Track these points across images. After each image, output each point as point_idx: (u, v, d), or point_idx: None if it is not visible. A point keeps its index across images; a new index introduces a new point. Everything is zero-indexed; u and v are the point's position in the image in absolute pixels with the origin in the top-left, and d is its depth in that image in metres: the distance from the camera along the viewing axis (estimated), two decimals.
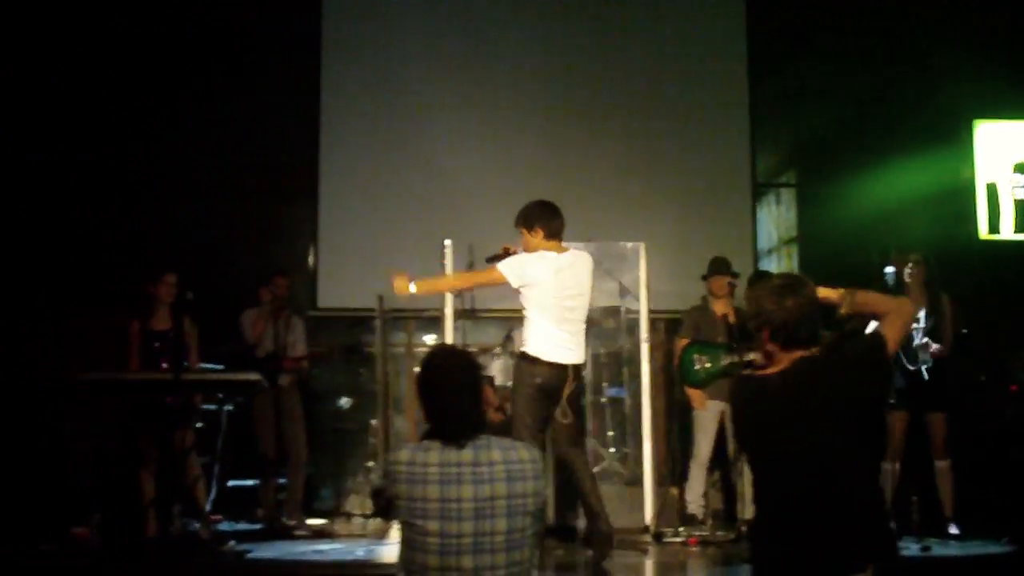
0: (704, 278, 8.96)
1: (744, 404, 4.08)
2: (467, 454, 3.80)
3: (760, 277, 8.98)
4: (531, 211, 6.99)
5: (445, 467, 3.77)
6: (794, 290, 3.96)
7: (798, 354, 3.90)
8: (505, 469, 3.81)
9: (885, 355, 3.92)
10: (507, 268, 6.85)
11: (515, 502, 3.80)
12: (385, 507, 3.93)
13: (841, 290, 4.26)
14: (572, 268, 6.94)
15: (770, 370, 3.97)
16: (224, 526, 8.66)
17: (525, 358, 6.85)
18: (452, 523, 3.72)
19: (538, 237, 6.92)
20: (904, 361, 7.96)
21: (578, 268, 6.98)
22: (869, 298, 4.28)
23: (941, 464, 8.18)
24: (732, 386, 4.23)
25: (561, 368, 6.79)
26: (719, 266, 8.93)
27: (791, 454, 3.83)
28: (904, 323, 4.12)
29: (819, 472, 3.79)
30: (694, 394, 8.59)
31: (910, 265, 8.23)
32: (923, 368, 7.95)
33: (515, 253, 7.05)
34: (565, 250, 6.98)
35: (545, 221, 6.94)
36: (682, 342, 8.53)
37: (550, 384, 6.77)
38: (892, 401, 7.92)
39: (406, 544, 3.81)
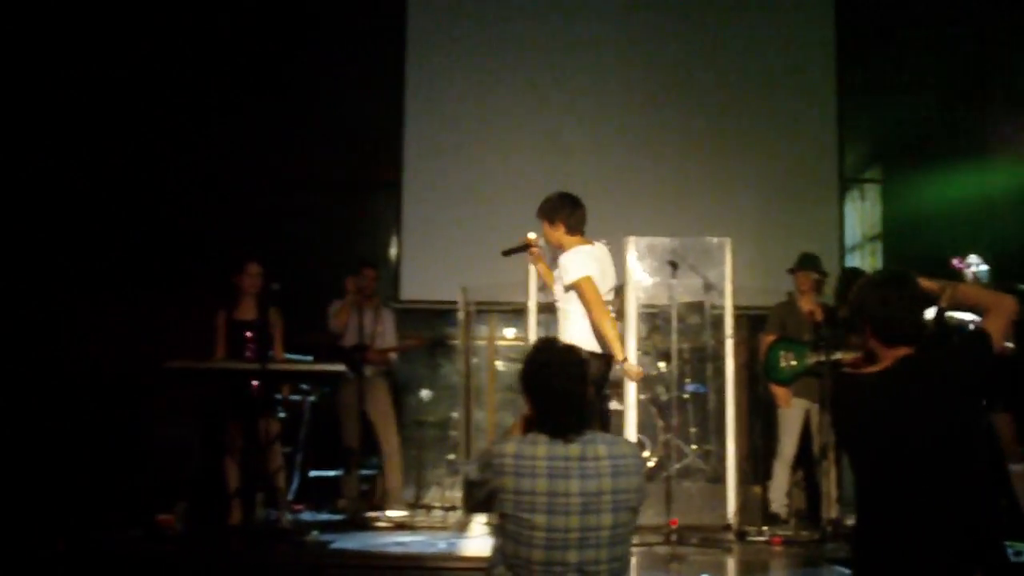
0: (791, 272, 8.85)
1: (846, 404, 4.00)
2: (575, 448, 3.81)
3: (851, 273, 8.86)
4: (554, 204, 6.94)
5: (553, 461, 3.78)
6: (898, 285, 3.89)
7: (902, 352, 3.82)
8: (611, 464, 3.82)
9: (991, 351, 3.83)
10: (586, 269, 6.71)
11: (620, 497, 3.80)
12: (483, 500, 3.88)
13: (942, 282, 4.17)
14: (606, 259, 6.96)
15: (872, 368, 3.89)
16: (306, 516, 8.69)
17: (595, 356, 6.72)
18: (560, 517, 3.73)
19: (560, 231, 6.89)
20: None
21: (607, 260, 6.98)
22: (970, 292, 4.21)
23: (1016, 468, 8.01)
24: (832, 385, 4.16)
25: (606, 359, 6.73)
26: (807, 261, 8.82)
27: (896, 455, 3.75)
28: (1007, 318, 4.01)
29: (925, 474, 3.71)
30: (779, 392, 8.50)
31: (968, 266, 8.05)
32: None
33: (537, 244, 7.08)
34: (590, 242, 6.92)
35: (567, 214, 6.88)
36: (768, 339, 8.44)
37: (600, 375, 6.71)
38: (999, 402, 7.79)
39: (509, 538, 3.80)
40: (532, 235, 7.05)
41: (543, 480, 3.75)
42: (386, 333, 9.23)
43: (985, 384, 3.95)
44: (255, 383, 7.59)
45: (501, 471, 3.79)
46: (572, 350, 4.10)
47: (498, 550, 3.89)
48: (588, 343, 6.65)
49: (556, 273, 6.88)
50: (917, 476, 3.72)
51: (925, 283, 4.06)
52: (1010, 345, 7.76)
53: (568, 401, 3.88)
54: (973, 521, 3.71)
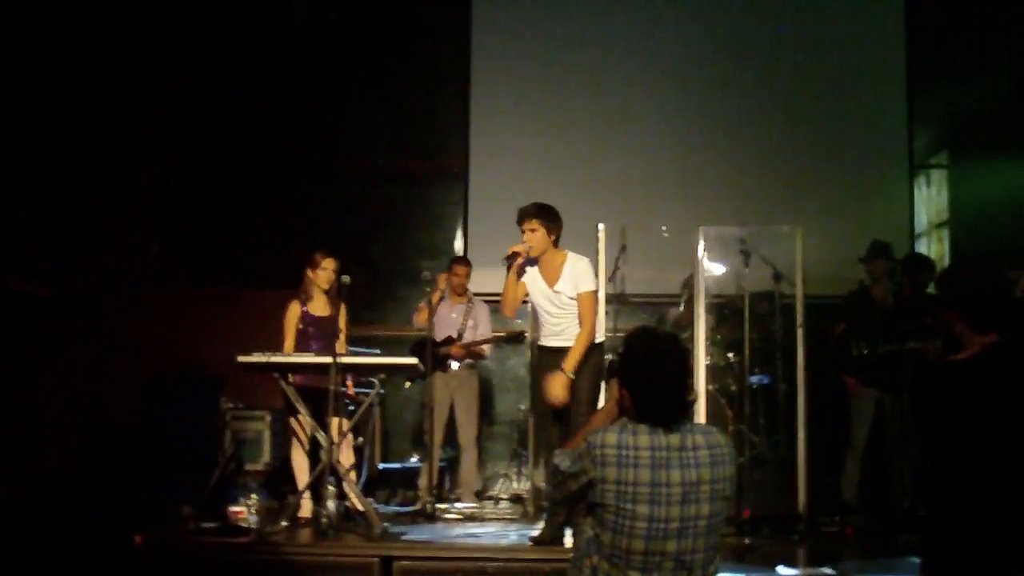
0: (862, 261, 8.76)
1: (931, 391, 3.95)
2: (675, 438, 3.82)
3: (915, 261, 8.78)
4: (555, 213, 7.05)
5: (656, 451, 3.78)
6: (990, 271, 3.84)
7: (990, 338, 3.77)
8: (709, 454, 3.83)
9: None
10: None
11: (717, 487, 3.82)
12: (577, 491, 3.88)
13: (1017, 272, 4.12)
14: None
15: (960, 356, 3.84)
16: (375, 508, 8.72)
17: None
18: (661, 507, 3.74)
19: (551, 239, 7.01)
20: None
21: None
22: None
23: None
24: (915, 373, 4.11)
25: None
26: (879, 249, 8.73)
27: (983, 442, 3.70)
28: None
29: (1009, 463, 3.66)
30: (851, 381, 8.43)
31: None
32: None
33: (523, 255, 7.04)
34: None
35: (560, 226, 7.06)
36: (840, 327, 8.37)
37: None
38: None
39: (607, 528, 3.80)
40: (523, 246, 7.03)
41: (645, 470, 3.74)
42: (479, 326, 9.25)
43: None
44: (348, 385, 7.71)
45: (603, 462, 3.78)
46: (674, 338, 4.11)
47: (590, 541, 3.89)
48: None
49: (561, 281, 7.04)
50: (1002, 463, 3.67)
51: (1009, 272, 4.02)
52: None
53: (672, 390, 3.88)
54: None
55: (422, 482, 8.96)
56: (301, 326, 8.13)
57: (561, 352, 6.93)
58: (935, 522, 3.94)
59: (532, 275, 7.10)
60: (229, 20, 10.34)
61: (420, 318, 9.07)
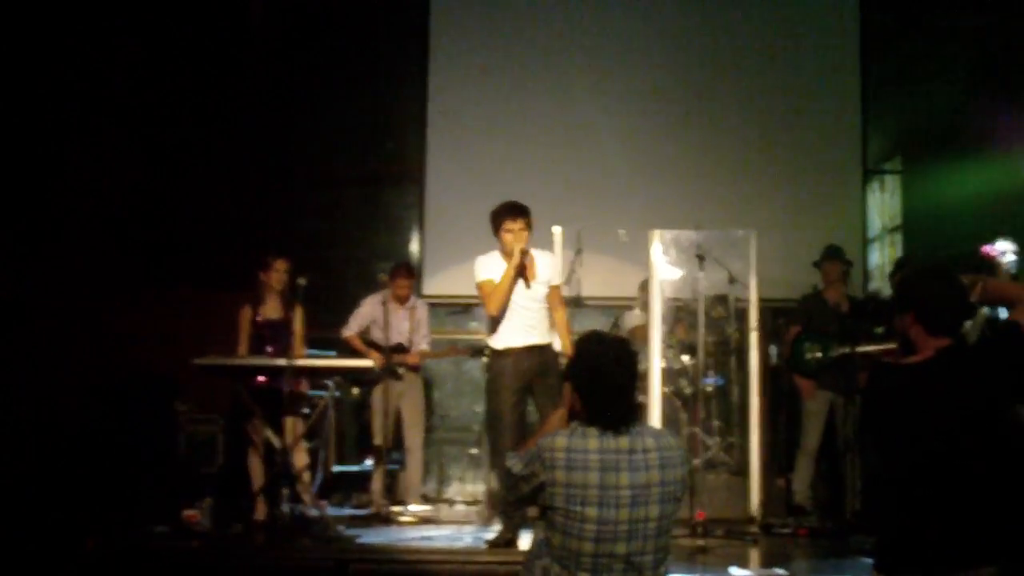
0: (816, 265, 8.84)
1: (884, 393, 4.00)
2: (624, 441, 3.84)
3: (905, 263, 8.87)
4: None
5: (605, 454, 3.80)
6: (945, 277, 3.91)
7: (943, 343, 3.83)
8: (659, 456, 3.85)
9: (1022, 342, 3.83)
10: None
11: (667, 489, 3.84)
12: (529, 494, 3.90)
13: (972, 277, 4.18)
14: None
15: (913, 359, 3.90)
16: (330, 511, 8.70)
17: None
18: (611, 510, 3.75)
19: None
20: None
21: None
22: (999, 286, 4.24)
23: None
24: (869, 375, 4.17)
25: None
26: (833, 252, 8.80)
27: (933, 444, 3.77)
28: None
29: (958, 464, 3.72)
30: (803, 383, 8.49)
31: (1002, 252, 8.02)
32: None
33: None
34: None
35: None
36: (793, 330, 8.43)
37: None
38: None
39: (558, 530, 3.82)
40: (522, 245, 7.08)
41: (595, 473, 3.76)
42: (421, 328, 9.25)
43: (1017, 376, 3.96)
44: (260, 379, 7.66)
45: (553, 464, 3.80)
46: (625, 343, 4.11)
47: (541, 543, 3.91)
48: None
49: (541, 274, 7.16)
50: (950, 465, 3.73)
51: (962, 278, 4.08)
52: None
53: (621, 394, 3.90)
54: (1001, 511, 3.72)
55: (375, 485, 8.96)
56: (254, 329, 8.10)
57: (536, 350, 6.96)
58: (887, 523, 3.99)
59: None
60: (185, 23, 10.28)
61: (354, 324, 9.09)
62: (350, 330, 9.04)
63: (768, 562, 7.11)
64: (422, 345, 9.24)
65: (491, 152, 10.65)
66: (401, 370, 9.02)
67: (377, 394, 8.87)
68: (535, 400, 7.03)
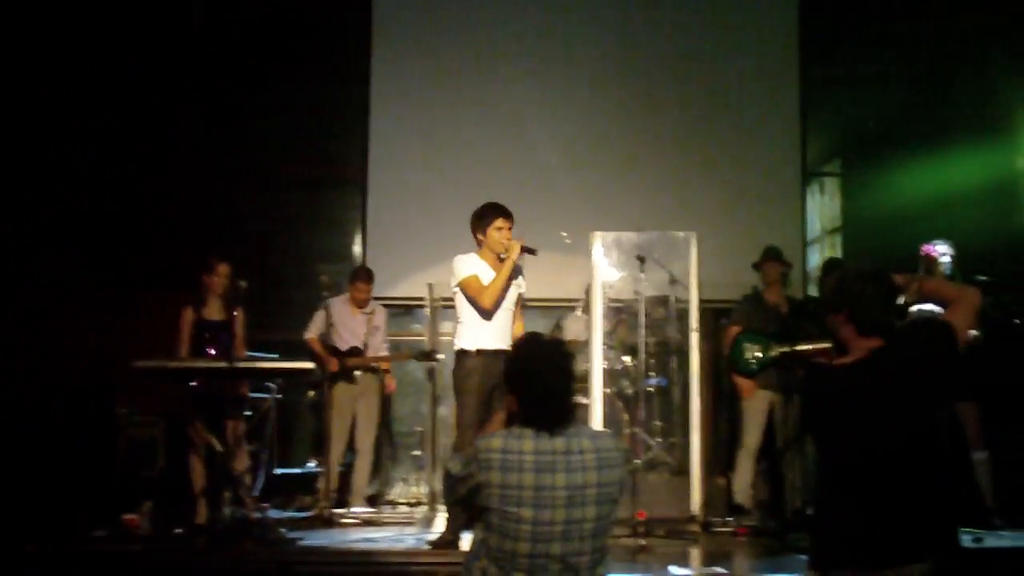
0: (756, 266, 8.90)
1: (818, 393, 4.07)
2: (560, 442, 3.84)
3: (834, 265, 8.96)
4: None
5: (540, 455, 3.81)
6: (877, 279, 3.97)
7: (874, 343, 3.90)
8: (596, 457, 3.87)
9: (955, 343, 3.92)
10: None
11: (604, 490, 3.86)
12: (467, 494, 3.91)
13: (908, 277, 4.24)
14: None
15: (844, 359, 3.96)
16: (272, 513, 8.67)
17: None
18: (545, 511, 3.77)
19: None
20: None
21: None
22: (935, 286, 4.30)
23: (978, 455, 8.12)
24: (805, 376, 4.24)
25: None
26: (772, 253, 8.88)
27: (865, 445, 3.83)
28: (971, 311, 4.09)
29: (891, 465, 3.78)
30: (743, 383, 8.55)
31: (942, 254, 8.15)
32: None
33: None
34: None
35: None
36: (733, 330, 8.50)
37: None
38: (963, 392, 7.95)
39: (494, 531, 3.83)
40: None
41: (529, 474, 3.78)
42: (379, 332, 9.35)
43: (950, 375, 4.02)
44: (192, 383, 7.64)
45: (488, 466, 3.81)
46: (560, 343, 4.18)
47: (480, 543, 3.92)
48: None
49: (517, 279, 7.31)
50: (883, 464, 3.80)
51: (896, 278, 4.13)
52: (975, 333, 7.91)
53: (554, 395, 3.91)
54: (932, 509, 3.79)
55: (320, 487, 8.95)
56: (197, 331, 8.07)
57: (503, 355, 6.95)
58: (822, 519, 4.05)
59: (490, 277, 7.15)
60: (129, 26, 10.21)
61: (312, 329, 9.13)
62: (310, 333, 9.11)
63: (708, 561, 7.18)
64: (380, 350, 9.29)
65: (433, 155, 10.65)
66: (357, 373, 9.05)
67: (334, 396, 8.94)
68: (495, 406, 7.04)
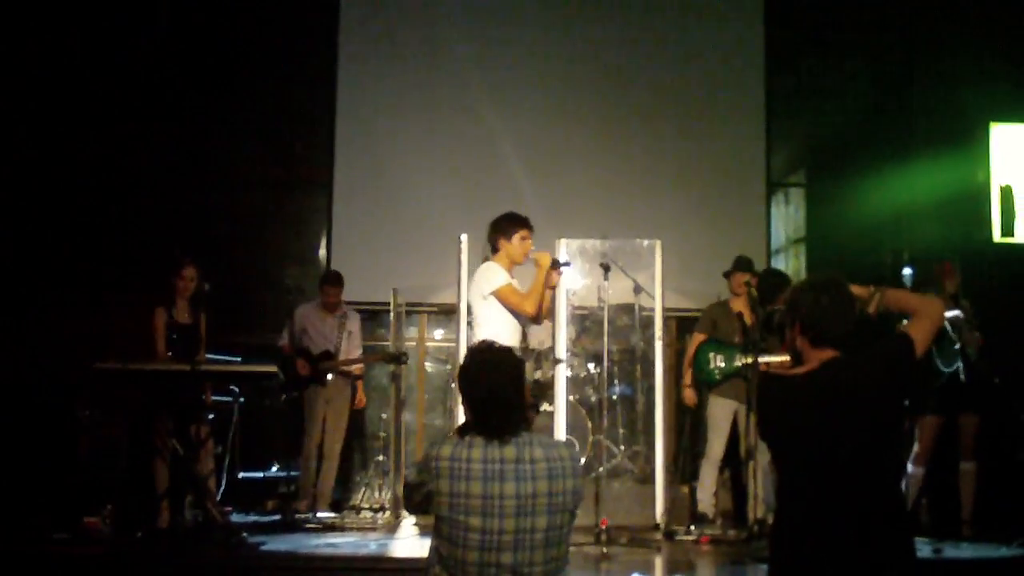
0: (726, 275, 8.90)
1: (771, 403, 4.06)
2: (510, 451, 3.82)
3: (770, 274, 8.97)
4: None
5: (488, 463, 3.78)
6: (831, 289, 3.95)
7: (828, 354, 3.89)
8: (547, 467, 3.83)
9: (912, 356, 3.89)
10: None
11: (555, 499, 3.82)
12: (421, 502, 3.89)
13: (871, 288, 4.23)
14: None
15: (798, 370, 3.96)
16: (234, 518, 8.64)
17: None
18: (494, 519, 3.74)
19: None
20: (939, 364, 8.00)
21: None
22: (899, 296, 4.25)
23: (967, 466, 8.19)
24: (759, 387, 4.25)
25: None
26: (742, 264, 8.87)
27: (816, 456, 3.81)
28: (933, 323, 4.06)
29: (843, 476, 3.77)
30: (687, 393, 8.64)
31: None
32: (960, 370, 7.99)
33: None
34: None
35: None
36: (699, 338, 8.52)
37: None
38: (926, 406, 8.02)
39: (444, 539, 3.81)
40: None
41: (477, 483, 3.76)
42: (353, 337, 9.39)
43: (906, 387, 4.03)
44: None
45: (438, 473, 3.80)
46: (508, 352, 4.08)
47: (434, 551, 3.91)
48: None
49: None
50: (836, 476, 3.78)
51: (856, 289, 4.12)
52: (976, 334, 8.04)
53: (501, 402, 3.88)
54: (884, 523, 3.79)
55: (302, 492, 8.96)
56: (167, 333, 8.04)
57: None
58: (777, 531, 4.05)
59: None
60: (95, 25, 10.16)
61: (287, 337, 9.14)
62: (283, 339, 9.13)
63: (671, 569, 7.17)
64: (353, 355, 9.29)
65: (399, 159, 10.63)
66: (329, 377, 9.06)
67: (309, 399, 9.00)
68: None
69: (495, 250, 7.21)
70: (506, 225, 7.18)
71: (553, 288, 7.33)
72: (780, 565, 3.94)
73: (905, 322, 4.11)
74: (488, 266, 7.14)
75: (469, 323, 7.38)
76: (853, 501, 3.75)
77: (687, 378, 8.75)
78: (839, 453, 3.77)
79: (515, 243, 7.12)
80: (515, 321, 7.08)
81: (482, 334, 6.99)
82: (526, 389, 4.07)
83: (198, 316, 8.08)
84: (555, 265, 7.14)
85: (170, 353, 7.91)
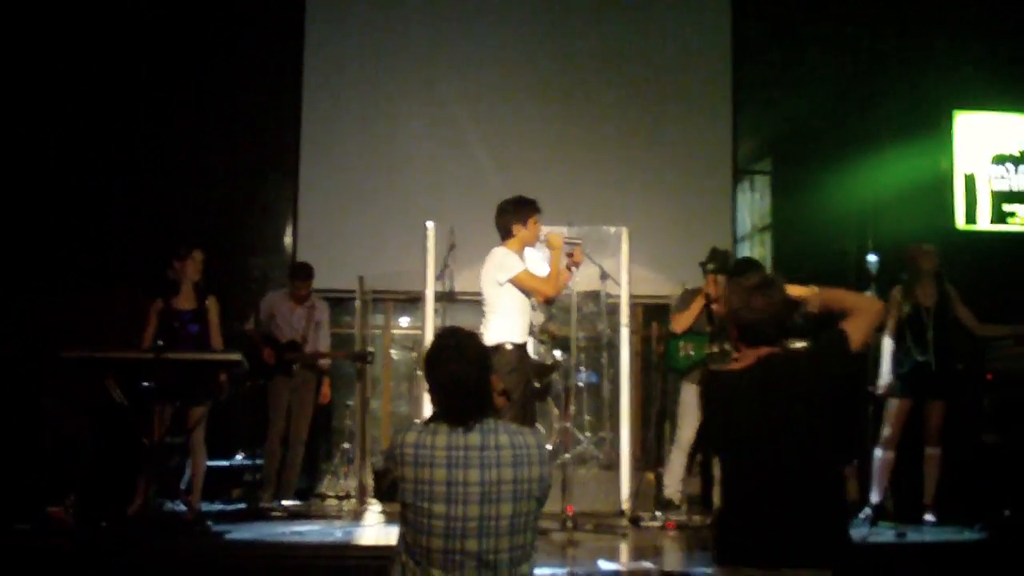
0: (703, 265, 8.85)
1: (712, 399, 4.18)
2: (475, 437, 3.82)
3: (745, 265, 8.96)
4: None
5: (453, 450, 3.79)
6: (764, 291, 4.05)
7: (764, 351, 3.98)
8: (512, 454, 3.84)
9: (847, 351, 4.00)
10: None
11: (521, 487, 3.83)
12: (388, 489, 3.89)
13: (811, 287, 4.30)
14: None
15: (738, 366, 4.04)
16: (199, 506, 8.59)
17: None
18: (458, 506, 3.74)
19: None
20: (914, 351, 8.06)
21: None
22: (837, 295, 4.32)
23: (932, 451, 8.25)
24: (702, 381, 4.33)
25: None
26: (717, 254, 8.77)
27: (755, 449, 3.93)
28: (871, 319, 4.16)
29: (781, 468, 3.87)
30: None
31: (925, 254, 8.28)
32: (932, 358, 8.05)
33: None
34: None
35: None
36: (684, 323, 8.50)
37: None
38: (894, 390, 8.09)
39: (410, 526, 3.81)
40: None
41: (441, 469, 3.76)
42: (321, 327, 9.37)
43: (841, 382, 4.08)
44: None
45: (402, 460, 3.80)
46: (473, 337, 4.07)
47: (401, 538, 3.91)
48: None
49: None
50: (773, 467, 3.88)
51: (793, 290, 4.20)
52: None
53: (465, 390, 3.88)
54: (818, 514, 3.86)
55: (268, 482, 8.94)
56: (165, 321, 7.93)
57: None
58: (725, 516, 4.12)
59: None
60: (57, 13, 10.08)
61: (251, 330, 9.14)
62: (250, 323, 9.11)
63: (637, 555, 7.18)
64: (321, 344, 9.25)
65: (365, 147, 10.62)
66: (296, 366, 9.04)
67: (274, 389, 9.01)
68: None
69: (507, 235, 7.21)
70: (521, 209, 7.21)
71: (578, 265, 7.40)
72: (724, 550, 4.01)
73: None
74: (502, 252, 7.14)
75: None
76: (790, 490, 3.85)
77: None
78: (775, 444, 3.88)
79: (530, 227, 7.19)
80: (527, 305, 7.12)
81: (496, 319, 7.05)
82: (493, 377, 4.05)
83: (203, 302, 8.01)
84: (569, 246, 7.24)
85: (160, 341, 7.79)
